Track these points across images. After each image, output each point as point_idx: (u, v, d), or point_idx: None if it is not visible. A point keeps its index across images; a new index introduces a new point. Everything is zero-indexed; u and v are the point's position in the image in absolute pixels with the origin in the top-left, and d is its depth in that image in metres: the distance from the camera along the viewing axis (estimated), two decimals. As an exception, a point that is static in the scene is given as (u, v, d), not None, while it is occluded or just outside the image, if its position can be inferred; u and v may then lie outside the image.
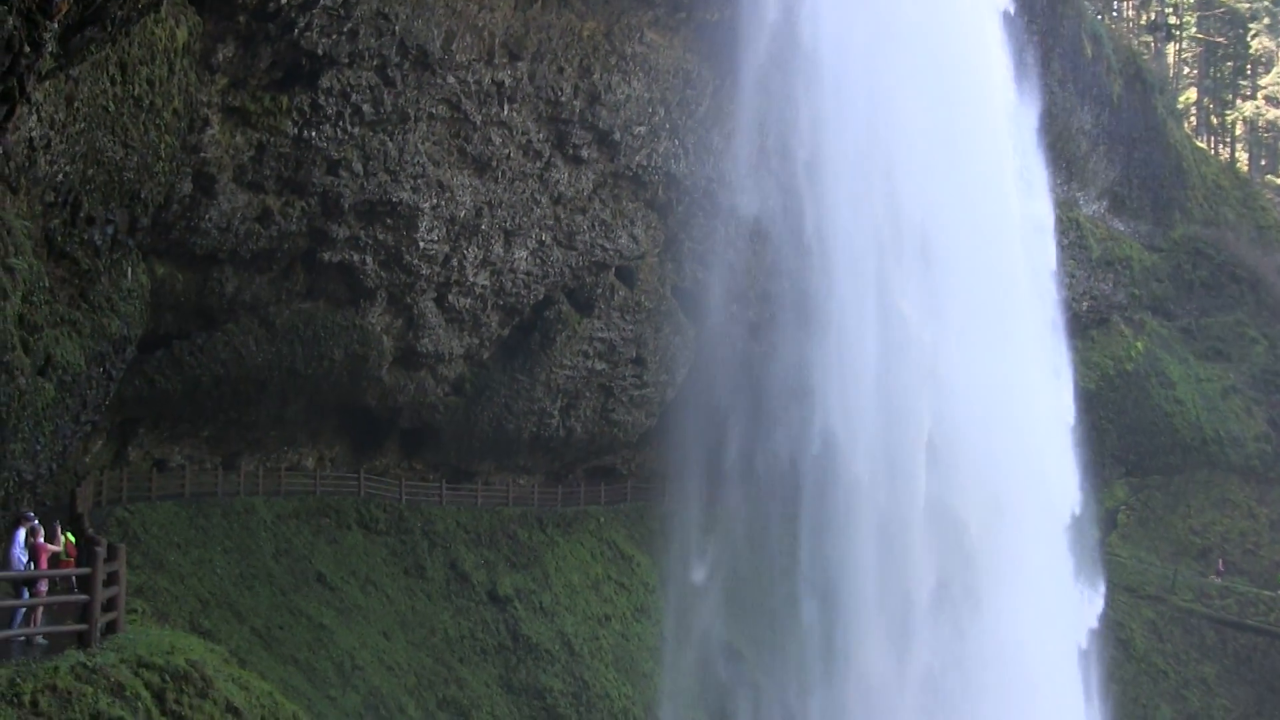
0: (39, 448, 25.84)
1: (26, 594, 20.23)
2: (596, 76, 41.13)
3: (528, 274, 43.57)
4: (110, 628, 20.67)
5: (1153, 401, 63.03)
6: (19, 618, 20.05)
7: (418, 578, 43.16)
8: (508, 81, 38.85)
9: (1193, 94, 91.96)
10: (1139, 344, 64.11)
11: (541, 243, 43.27)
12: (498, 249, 42.09)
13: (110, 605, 20.74)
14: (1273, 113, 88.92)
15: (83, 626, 19.51)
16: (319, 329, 39.75)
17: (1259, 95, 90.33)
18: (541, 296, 44.83)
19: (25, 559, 20.64)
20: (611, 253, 45.17)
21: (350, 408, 43.12)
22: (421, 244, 39.64)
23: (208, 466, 40.89)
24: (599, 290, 45.96)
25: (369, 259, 39.03)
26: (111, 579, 20.58)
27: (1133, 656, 54.77)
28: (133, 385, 35.46)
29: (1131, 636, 55.23)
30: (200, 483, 39.64)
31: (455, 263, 41.16)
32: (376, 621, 40.51)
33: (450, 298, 42.04)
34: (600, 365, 47.05)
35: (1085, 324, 62.66)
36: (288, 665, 36.20)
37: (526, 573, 45.98)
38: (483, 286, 42.57)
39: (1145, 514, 61.04)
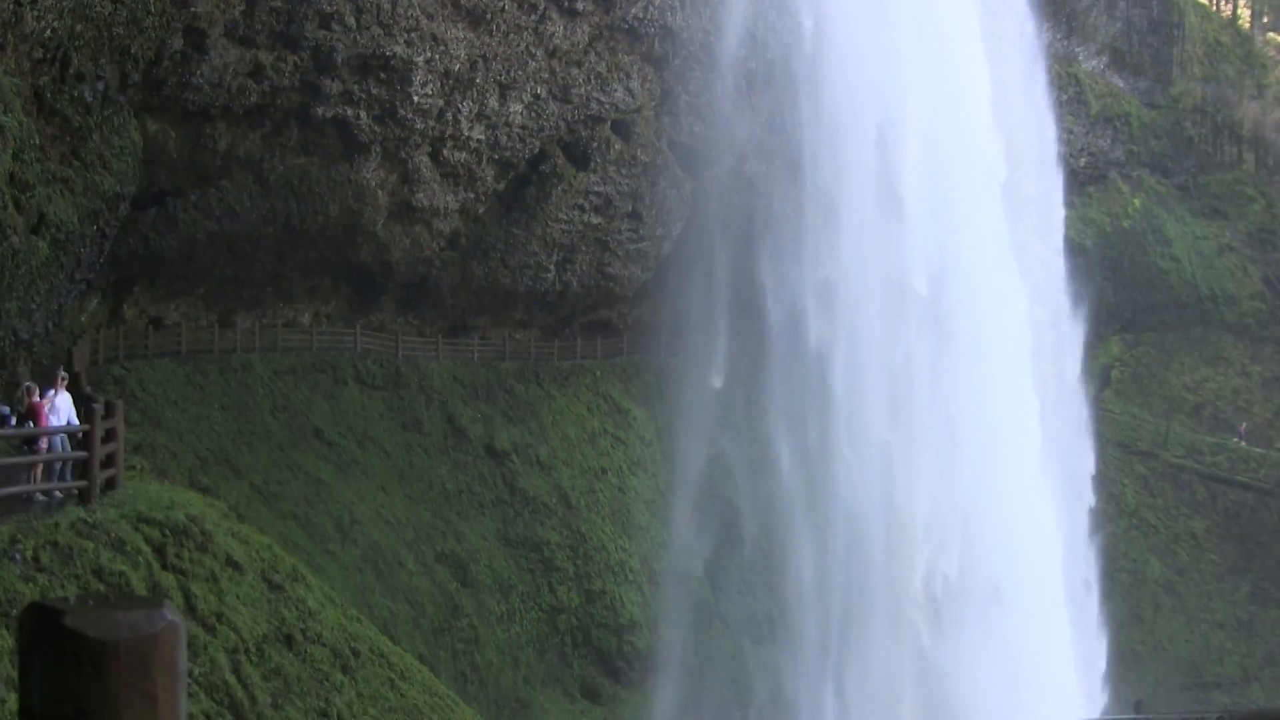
0: (34, 306, 25.80)
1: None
2: (592, -74, 40.44)
3: (523, 128, 43.14)
4: (110, 484, 20.81)
5: (1149, 259, 63.00)
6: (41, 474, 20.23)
7: (415, 432, 43.32)
8: (502, -68, 38.17)
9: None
10: (1136, 201, 63.89)
11: (536, 96, 42.79)
12: (492, 103, 41.62)
13: (109, 462, 20.85)
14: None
15: (82, 483, 19.65)
16: (313, 184, 39.45)
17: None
18: (537, 150, 44.44)
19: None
20: (607, 106, 44.70)
21: (346, 263, 42.93)
22: (415, 98, 39.18)
23: (204, 324, 40.80)
24: (594, 144, 45.55)
25: (363, 114, 38.61)
26: (110, 435, 20.66)
27: (1124, 511, 55.44)
28: (127, 243, 35.24)
29: (1123, 491, 55.84)
30: (197, 340, 39.55)
31: (449, 117, 40.73)
32: (374, 476, 40.76)
33: (445, 152, 41.67)
34: (596, 219, 46.78)
35: (1083, 180, 62.38)
36: (286, 520, 36.51)
37: (523, 427, 46.17)
38: (477, 141, 42.16)
39: (1139, 370, 61.31)
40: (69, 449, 20.31)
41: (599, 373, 50.44)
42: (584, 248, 47.42)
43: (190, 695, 28.27)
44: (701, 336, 46.61)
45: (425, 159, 41.47)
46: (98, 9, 24.92)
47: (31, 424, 20.98)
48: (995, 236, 44.66)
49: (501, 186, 44.50)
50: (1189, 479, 57.56)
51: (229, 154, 37.02)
